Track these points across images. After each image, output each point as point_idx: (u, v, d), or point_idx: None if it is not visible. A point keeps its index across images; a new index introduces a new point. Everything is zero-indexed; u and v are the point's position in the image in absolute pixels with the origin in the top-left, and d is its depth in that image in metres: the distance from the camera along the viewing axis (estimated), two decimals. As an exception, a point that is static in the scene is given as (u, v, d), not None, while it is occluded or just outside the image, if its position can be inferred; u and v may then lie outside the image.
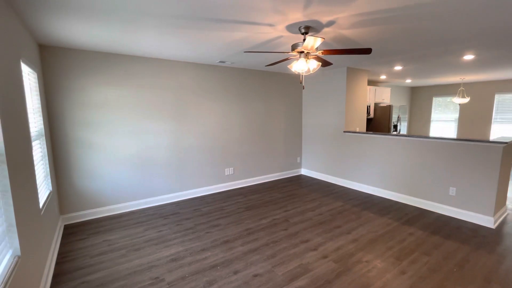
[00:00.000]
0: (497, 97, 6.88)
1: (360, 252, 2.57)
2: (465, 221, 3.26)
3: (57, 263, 2.44)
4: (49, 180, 2.80)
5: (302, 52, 2.40)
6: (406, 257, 2.47)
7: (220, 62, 4.00)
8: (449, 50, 3.31)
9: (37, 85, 2.62)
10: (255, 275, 2.23)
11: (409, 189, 3.87)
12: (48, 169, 2.79)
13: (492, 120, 7.01)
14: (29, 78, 2.41)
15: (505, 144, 2.97)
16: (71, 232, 3.05)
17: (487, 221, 3.11)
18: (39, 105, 2.66)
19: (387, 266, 2.33)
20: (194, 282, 2.14)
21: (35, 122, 2.51)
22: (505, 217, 3.35)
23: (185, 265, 2.38)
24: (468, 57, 3.75)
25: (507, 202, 3.81)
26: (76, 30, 2.42)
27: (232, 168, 4.69)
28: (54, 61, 3.03)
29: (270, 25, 2.28)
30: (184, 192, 4.19)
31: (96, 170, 3.40)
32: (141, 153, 3.73)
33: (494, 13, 2.05)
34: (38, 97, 2.65)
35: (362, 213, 3.54)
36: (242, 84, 4.64)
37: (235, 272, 2.27)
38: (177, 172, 4.08)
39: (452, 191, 3.39)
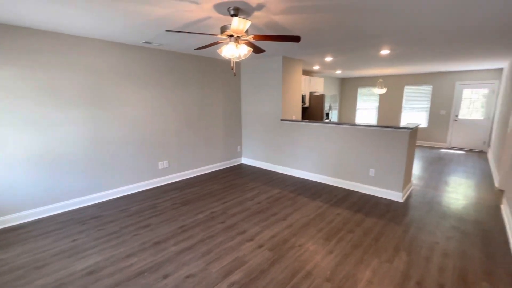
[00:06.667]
0: (406, 89, 8.05)
1: (293, 237, 2.66)
2: (382, 197, 3.72)
3: None
4: None
5: (232, 35, 2.24)
6: (333, 237, 2.66)
7: (145, 43, 3.54)
8: (370, 44, 3.61)
9: None
10: (187, 276, 2.08)
11: (338, 172, 4.21)
12: None
13: (402, 109, 8.20)
14: None
15: (411, 130, 3.44)
16: None
17: (397, 196, 3.60)
18: None
19: (317, 248, 2.47)
20: (114, 296, 1.87)
21: None
22: (411, 191, 3.95)
23: (105, 277, 2.07)
24: (385, 51, 4.18)
25: (412, 179, 4.51)
26: None
27: (167, 161, 4.33)
28: None
29: (195, 2, 2.04)
30: (109, 192, 3.69)
31: (-21, 173, 2.67)
32: (49, 149, 3.08)
33: (409, 13, 2.24)
34: None
35: (297, 198, 3.70)
36: (175, 69, 4.25)
37: (165, 276, 2.08)
38: (99, 169, 3.54)
39: (372, 172, 3.81)
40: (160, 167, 4.25)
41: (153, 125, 4.08)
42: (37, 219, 3.06)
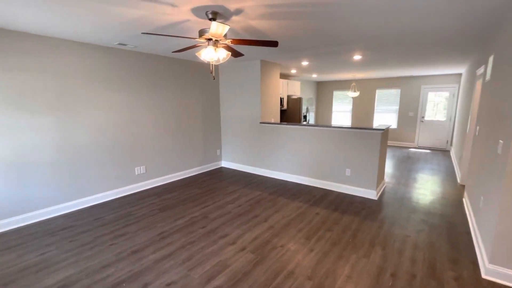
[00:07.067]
0: (378, 92, 8.50)
1: (275, 238, 2.69)
2: (357, 196, 3.88)
3: None
4: None
5: (210, 39, 2.25)
6: (313, 236, 2.74)
7: (119, 44, 3.42)
8: (343, 50, 3.78)
9: None
10: (169, 284, 2.03)
11: (316, 172, 4.33)
12: None
13: (375, 111, 8.64)
14: None
15: (382, 131, 3.64)
16: None
17: (372, 194, 3.79)
18: None
19: (298, 248, 2.52)
20: (90, 310, 1.78)
21: None
22: (384, 189, 4.17)
23: (78, 290, 1.96)
24: (357, 57, 4.39)
25: (385, 177, 4.76)
26: None
27: (144, 166, 4.19)
28: None
29: (172, 5, 2.02)
30: (81, 200, 3.49)
31: None
32: (14, 156, 2.85)
33: (378, 22, 2.39)
34: None
35: (277, 199, 3.75)
36: (152, 72, 4.14)
37: (145, 286, 2.01)
38: (70, 176, 3.34)
39: (348, 171, 3.97)
40: (136, 173, 4.10)
41: (129, 129, 3.93)
42: (0, 232, 2.82)
